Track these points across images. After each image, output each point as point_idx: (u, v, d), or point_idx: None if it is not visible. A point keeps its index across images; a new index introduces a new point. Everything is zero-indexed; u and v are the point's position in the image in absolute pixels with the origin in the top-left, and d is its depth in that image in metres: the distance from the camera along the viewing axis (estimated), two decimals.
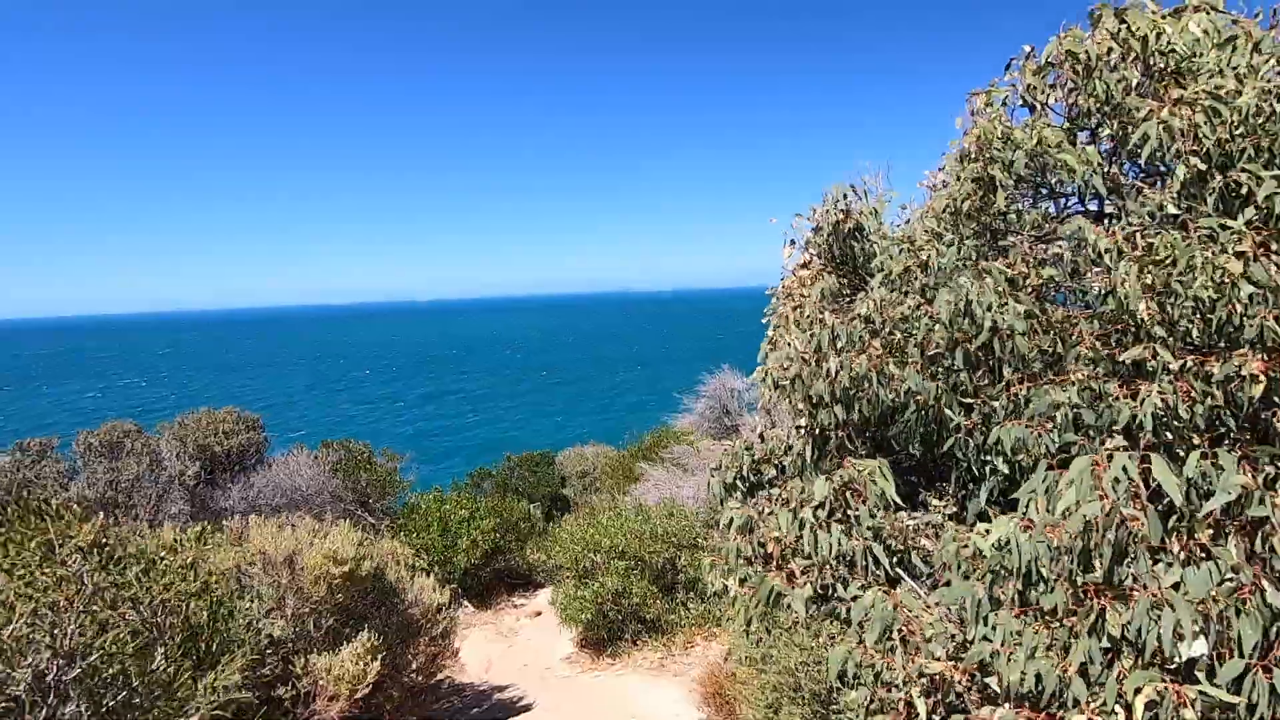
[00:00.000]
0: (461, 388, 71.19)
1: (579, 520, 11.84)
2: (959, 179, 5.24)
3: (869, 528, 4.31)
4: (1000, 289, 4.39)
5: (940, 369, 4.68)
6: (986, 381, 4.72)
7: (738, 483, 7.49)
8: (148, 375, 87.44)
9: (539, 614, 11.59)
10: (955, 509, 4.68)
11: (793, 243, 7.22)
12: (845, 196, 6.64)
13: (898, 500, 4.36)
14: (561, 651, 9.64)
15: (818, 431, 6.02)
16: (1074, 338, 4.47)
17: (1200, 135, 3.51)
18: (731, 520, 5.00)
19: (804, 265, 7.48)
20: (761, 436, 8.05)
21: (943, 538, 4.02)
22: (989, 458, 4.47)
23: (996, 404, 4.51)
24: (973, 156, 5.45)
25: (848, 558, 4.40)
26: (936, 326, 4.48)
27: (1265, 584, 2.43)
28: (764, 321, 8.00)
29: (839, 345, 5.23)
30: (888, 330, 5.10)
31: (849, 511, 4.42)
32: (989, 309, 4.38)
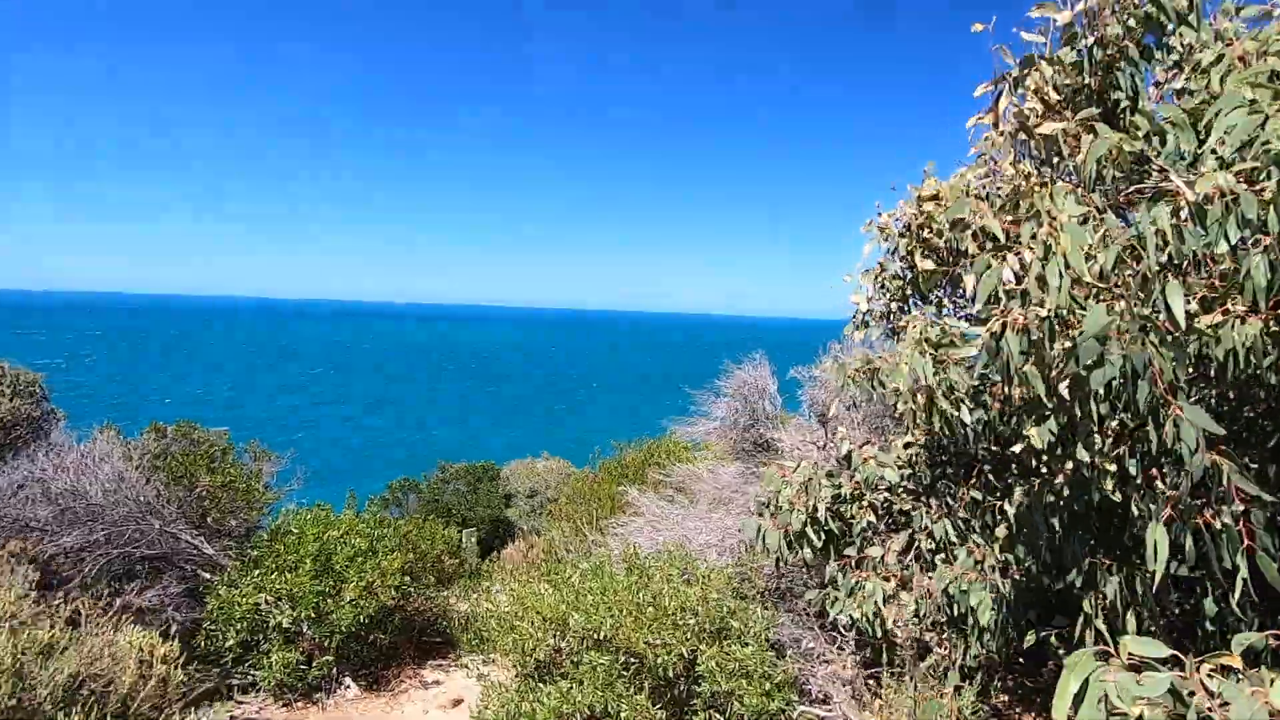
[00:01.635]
0: (416, 394, 67.29)
1: (530, 566, 8.05)
2: None
3: None
4: None
5: None
6: None
7: (808, 532, 4.41)
8: (69, 357, 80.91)
9: (459, 702, 7.69)
10: None
11: (1018, 66, 3.82)
12: None
13: None
14: None
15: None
16: None
17: None
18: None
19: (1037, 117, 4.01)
20: (849, 458, 4.33)
21: None
22: None
23: None
24: None
25: None
26: None
27: None
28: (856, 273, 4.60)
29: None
30: None
31: None
32: None
